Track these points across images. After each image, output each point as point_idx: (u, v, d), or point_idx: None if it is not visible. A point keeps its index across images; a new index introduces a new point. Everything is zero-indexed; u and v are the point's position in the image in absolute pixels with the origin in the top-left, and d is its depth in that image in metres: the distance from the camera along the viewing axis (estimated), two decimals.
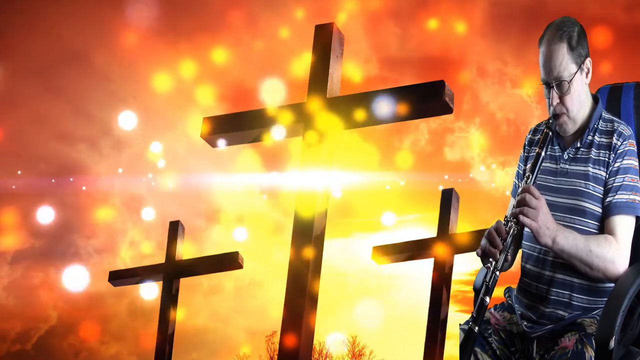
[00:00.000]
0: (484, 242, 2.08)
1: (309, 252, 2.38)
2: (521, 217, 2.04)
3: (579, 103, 2.17)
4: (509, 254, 2.09)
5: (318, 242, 2.41)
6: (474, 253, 2.13)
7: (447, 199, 4.45)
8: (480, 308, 2.03)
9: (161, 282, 4.65)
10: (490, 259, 2.05)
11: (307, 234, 2.40)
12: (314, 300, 2.38)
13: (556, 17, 2.19)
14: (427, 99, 2.32)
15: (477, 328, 2.02)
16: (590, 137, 2.18)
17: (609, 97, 2.38)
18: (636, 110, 2.33)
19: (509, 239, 2.06)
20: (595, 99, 2.24)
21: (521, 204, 2.05)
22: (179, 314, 4.61)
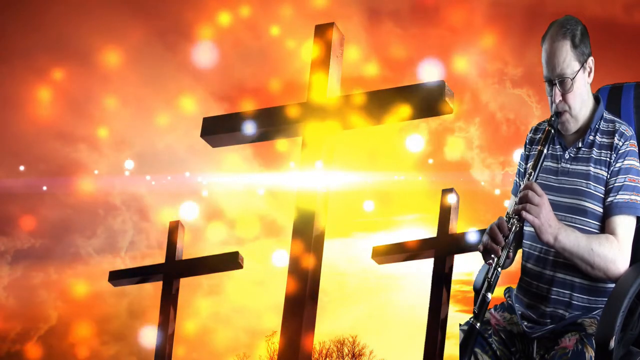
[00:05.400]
0: (485, 238, 2.07)
1: (309, 252, 2.38)
2: (524, 214, 2.03)
3: (581, 101, 2.17)
4: (510, 251, 2.07)
5: (318, 242, 2.41)
6: (474, 253, 2.12)
7: (447, 199, 4.46)
8: (481, 305, 2.01)
9: (161, 282, 4.65)
10: (492, 256, 2.04)
11: (307, 234, 2.40)
12: (314, 301, 2.38)
13: (556, 17, 2.19)
14: (427, 99, 2.32)
15: (478, 324, 2.01)
16: (591, 137, 2.18)
17: (609, 97, 2.37)
18: (636, 110, 2.33)
19: (510, 236, 2.05)
20: (596, 99, 2.23)
21: (524, 200, 2.04)
22: (179, 314, 4.61)
